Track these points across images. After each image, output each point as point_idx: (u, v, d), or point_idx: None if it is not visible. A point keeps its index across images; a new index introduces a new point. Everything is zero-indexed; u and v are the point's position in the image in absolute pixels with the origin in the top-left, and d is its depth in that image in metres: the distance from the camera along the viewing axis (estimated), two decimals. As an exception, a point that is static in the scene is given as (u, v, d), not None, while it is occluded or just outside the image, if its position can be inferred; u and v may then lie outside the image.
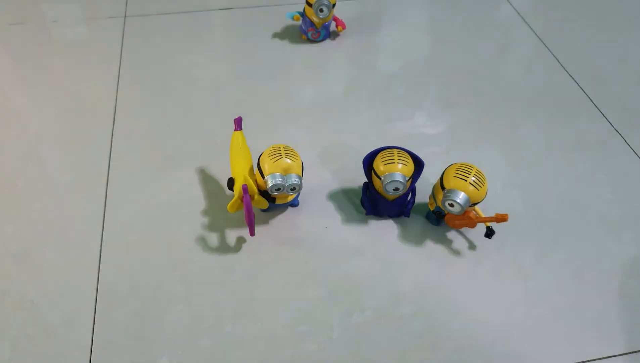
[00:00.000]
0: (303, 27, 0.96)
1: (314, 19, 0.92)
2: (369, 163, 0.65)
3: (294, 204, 0.69)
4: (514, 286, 0.62)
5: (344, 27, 0.97)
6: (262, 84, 0.89)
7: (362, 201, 0.69)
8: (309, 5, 0.91)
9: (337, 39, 0.98)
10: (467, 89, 0.89)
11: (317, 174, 0.73)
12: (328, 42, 0.98)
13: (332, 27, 0.98)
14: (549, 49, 0.98)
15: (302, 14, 0.94)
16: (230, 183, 0.64)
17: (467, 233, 0.67)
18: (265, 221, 0.68)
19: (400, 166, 0.61)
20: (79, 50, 0.94)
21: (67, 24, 1.01)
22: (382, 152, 0.64)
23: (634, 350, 0.57)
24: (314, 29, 0.94)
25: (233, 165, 0.65)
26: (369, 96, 0.88)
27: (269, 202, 0.65)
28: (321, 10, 0.90)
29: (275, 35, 0.99)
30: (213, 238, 0.66)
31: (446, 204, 0.61)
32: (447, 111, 0.85)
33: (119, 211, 0.68)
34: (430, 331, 0.58)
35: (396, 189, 0.62)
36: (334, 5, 0.92)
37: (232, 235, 0.66)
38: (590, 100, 0.88)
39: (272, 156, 0.61)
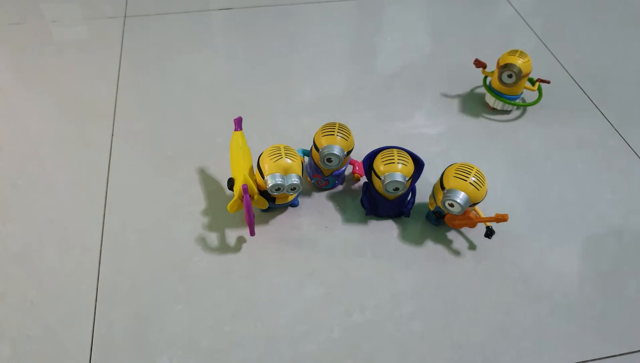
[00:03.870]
0: (309, 170, 0.71)
1: (321, 165, 0.67)
2: (369, 163, 0.65)
3: (294, 204, 0.69)
4: (514, 286, 0.62)
5: (362, 175, 0.72)
6: (262, 84, 0.89)
7: (362, 201, 0.69)
8: (316, 148, 0.66)
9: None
10: (467, 89, 0.89)
11: (317, 174, 0.73)
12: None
13: (348, 170, 0.74)
14: (549, 49, 0.98)
15: (308, 154, 0.70)
16: (230, 183, 0.64)
17: (467, 233, 0.67)
18: (265, 221, 0.68)
19: (400, 166, 0.61)
20: (79, 50, 0.94)
21: (67, 24, 1.01)
22: (382, 152, 0.64)
23: (634, 350, 0.57)
24: (320, 176, 0.70)
25: (233, 165, 0.65)
26: (369, 96, 0.88)
27: (269, 202, 0.65)
28: (329, 161, 0.65)
29: (275, 35, 0.99)
30: (213, 238, 0.66)
31: (446, 204, 0.61)
32: (447, 111, 0.85)
33: (119, 211, 0.68)
34: (430, 331, 0.58)
35: (396, 189, 0.62)
36: (349, 152, 0.67)
37: (232, 235, 0.66)
38: (590, 100, 0.88)
39: (272, 156, 0.61)
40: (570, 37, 1.01)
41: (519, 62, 0.78)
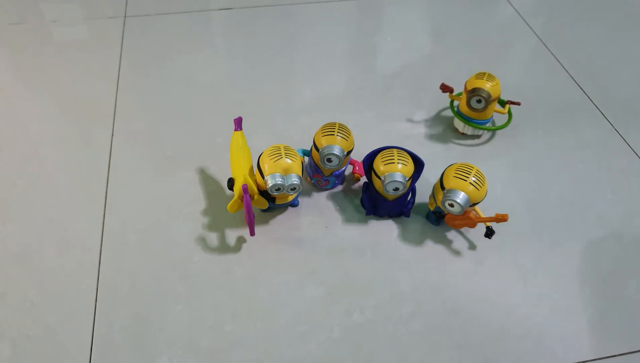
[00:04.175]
0: (309, 170, 0.71)
1: (321, 165, 0.67)
2: (369, 163, 0.65)
3: (294, 204, 0.69)
4: (514, 286, 0.62)
5: (362, 175, 0.72)
6: (262, 84, 0.89)
7: (362, 201, 0.69)
8: (316, 148, 0.66)
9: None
10: (467, 89, 0.89)
11: (317, 174, 0.73)
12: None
13: (348, 170, 0.74)
14: (549, 49, 0.98)
15: (308, 154, 0.70)
16: (230, 183, 0.64)
17: (467, 233, 0.67)
18: (265, 221, 0.68)
19: (400, 166, 0.61)
20: (79, 50, 0.94)
21: (67, 24, 1.01)
22: (382, 152, 0.64)
23: (634, 350, 0.57)
24: (320, 176, 0.70)
25: (233, 165, 0.65)
26: (369, 96, 0.88)
27: (269, 202, 0.65)
28: (329, 161, 0.65)
29: (275, 35, 0.99)
30: (213, 238, 0.66)
31: (446, 204, 0.61)
32: (447, 110, 0.85)
33: (119, 211, 0.68)
34: (430, 331, 0.58)
35: (396, 189, 0.62)
36: (349, 152, 0.67)
37: (232, 235, 0.66)
38: (590, 100, 0.88)
39: (272, 156, 0.61)
40: (570, 37, 1.01)
41: (487, 86, 0.74)
